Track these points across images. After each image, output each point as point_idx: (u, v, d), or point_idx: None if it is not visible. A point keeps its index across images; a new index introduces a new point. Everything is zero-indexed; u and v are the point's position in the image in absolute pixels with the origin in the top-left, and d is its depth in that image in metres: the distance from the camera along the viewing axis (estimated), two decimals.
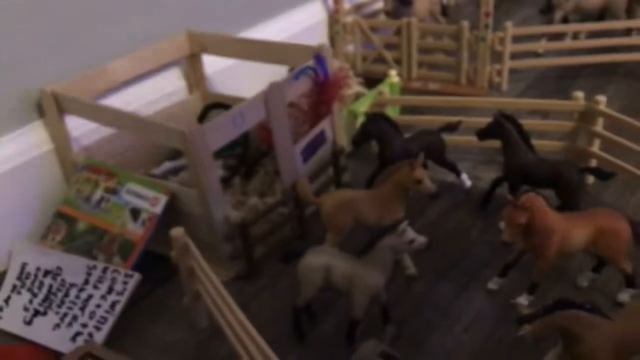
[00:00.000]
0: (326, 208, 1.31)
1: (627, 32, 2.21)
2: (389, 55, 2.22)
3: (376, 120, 1.51)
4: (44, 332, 1.26)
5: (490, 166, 1.71)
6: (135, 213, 1.35)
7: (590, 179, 1.58)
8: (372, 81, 2.00)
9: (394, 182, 1.28)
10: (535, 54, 2.27)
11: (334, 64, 1.56)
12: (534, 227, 1.14)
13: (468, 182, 1.61)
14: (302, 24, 2.20)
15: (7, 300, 1.33)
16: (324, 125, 1.58)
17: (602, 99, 1.49)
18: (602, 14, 2.39)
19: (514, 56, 2.10)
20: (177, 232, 1.15)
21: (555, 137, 1.72)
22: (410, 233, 1.07)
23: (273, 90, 1.37)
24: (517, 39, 2.06)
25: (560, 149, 1.63)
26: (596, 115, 1.51)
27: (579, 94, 1.55)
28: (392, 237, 1.07)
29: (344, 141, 1.68)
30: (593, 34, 2.27)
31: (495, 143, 1.48)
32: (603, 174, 1.36)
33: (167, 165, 1.62)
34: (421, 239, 1.08)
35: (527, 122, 1.50)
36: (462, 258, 1.39)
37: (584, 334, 0.93)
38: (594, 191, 1.56)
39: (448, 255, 1.40)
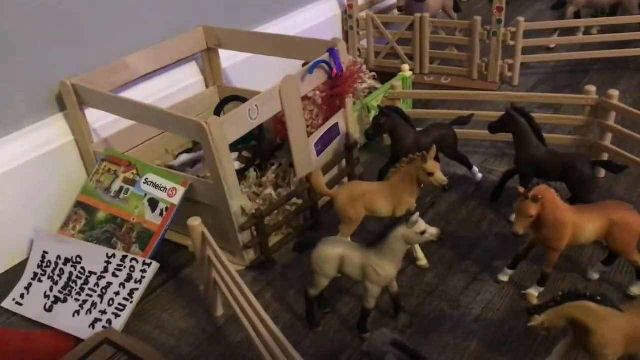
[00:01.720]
0: (339, 200, 1.33)
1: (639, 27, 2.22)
2: (401, 50, 2.24)
3: (389, 113, 1.52)
4: (64, 319, 1.29)
5: (501, 159, 1.73)
6: (153, 203, 1.38)
7: (602, 172, 1.60)
8: (385, 75, 2.01)
9: (407, 174, 1.30)
10: (547, 49, 2.28)
11: (347, 59, 1.57)
12: (545, 219, 1.16)
13: (479, 175, 1.62)
14: (317, 20, 2.22)
15: (28, 288, 1.37)
16: (338, 118, 1.60)
17: (614, 93, 1.50)
18: (614, 10, 2.39)
19: (526, 51, 2.11)
20: (194, 221, 1.17)
21: (567, 130, 1.73)
22: (422, 224, 1.09)
23: (288, 83, 1.39)
24: (528, 34, 2.07)
25: (572, 143, 1.64)
26: (609, 109, 1.52)
27: (591, 88, 1.56)
28: (404, 228, 1.09)
29: (357, 134, 1.70)
30: (605, 29, 2.27)
31: (506, 136, 1.49)
32: (615, 167, 1.37)
33: (184, 157, 1.65)
34: (433, 230, 1.10)
35: (539, 116, 1.52)
36: (473, 249, 1.41)
37: (595, 325, 0.94)
38: (605, 184, 1.58)
39: (459, 247, 1.42)
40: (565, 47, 2.25)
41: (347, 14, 2.28)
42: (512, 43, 2.06)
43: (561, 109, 1.86)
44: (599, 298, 0.94)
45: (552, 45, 2.29)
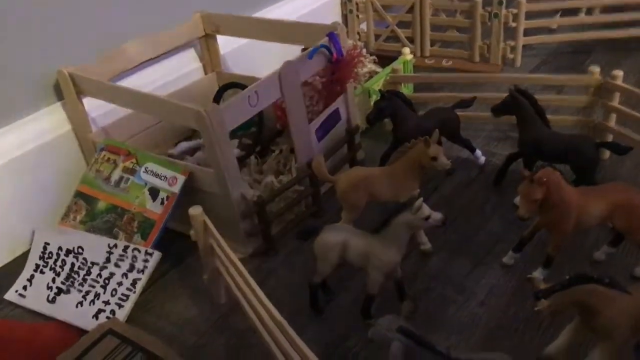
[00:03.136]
0: (341, 186, 1.32)
1: None
2: (402, 33, 2.21)
3: (390, 97, 1.51)
4: (68, 310, 1.29)
5: (505, 142, 1.71)
6: (154, 192, 1.37)
7: (607, 154, 1.58)
8: (385, 59, 1.99)
9: (409, 159, 1.28)
10: (549, 30, 2.25)
11: (347, 43, 1.55)
12: (550, 202, 1.14)
13: (482, 159, 1.61)
14: (315, 4, 2.19)
15: (30, 280, 1.36)
16: (338, 103, 1.58)
17: (619, 73, 1.48)
18: None
19: (528, 32, 2.08)
20: (195, 210, 1.16)
21: (570, 111, 1.71)
22: (426, 209, 1.08)
23: (287, 69, 1.37)
24: (530, 15, 2.04)
25: (576, 124, 1.62)
26: (613, 89, 1.50)
27: (595, 69, 1.54)
28: (407, 214, 1.08)
29: (358, 119, 1.68)
30: (607, 9, 2.24)
31: (510, 118, 1.47)
32: (619, 149, 1.35)
33: (184, 145, 1.64)
34: (437, 216, 1.09)
35: (542, 97, 1.50)
36: (477, 233, 1.40)
37: (602, 308, 0.93)
38: (610, 165, 1.56)
39: (463, 231, 1.41)
40: (568, 28, 2.22)
41: None
42: (513, 24, 2.04)
43: (564, 90, 1.84)
44: (607, 281, 0.93)
45: (555, 26, 2.26)
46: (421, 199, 1.08)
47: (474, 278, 1.28)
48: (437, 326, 1.18)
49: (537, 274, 1.23)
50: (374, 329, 0.99)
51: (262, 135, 1.61)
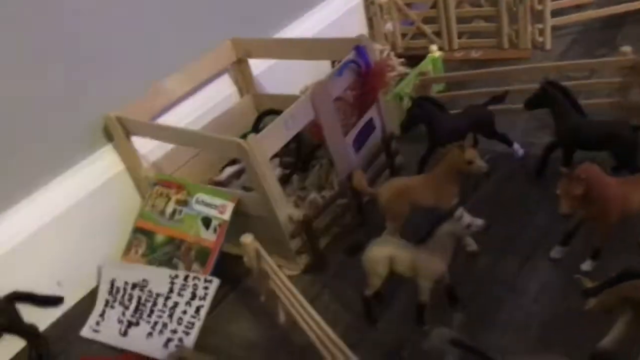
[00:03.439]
0: (383, 197, 1.36)
1: None
2: (428, 29, 2.22)
3: (421, 103, 1.53)
4: (139, 341, 1.36)
5: (543, 130, 1.69)
6: (206, 221, 1.45)
7: None
8: (414, 58, 2.00)
9: (446, 165, 1.31)
10: (577, 7, 2.21)
11: (374, 48, 1.57)
12: (591, 196, 1.15)
13: (521, 151, 1.61)
14: (340, 11, 2.23)
15: (102, 315, 1.46)
16: (372, 113, 1.61)
17: None
18: None
19: (555, 13, 2.05)
20: (247, 238, 1.22)
21: (605, 94, 1.68)
22: (467, 218, 1.10)
23: (318, 89, 1.42)
24: None
25: (611, 106, 1.60)
26: None
27: (627, 49, 1.52)
28: (449, 224, 1.11)
29: (393, 125, 1.70)
30: None
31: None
32: None
33: (229, 170, 1.70)
34: (478, 222, 1.11)
35: (574, 83, 1.48)
36: (523, 228, 1.41)
37: None
38: None
39: (507, 227, 1.41)
40: (596, 4, 2.18)
41: (368, 1, 2.27)
42: (540, 7, 2.01)
43: (599, 71, 1.81)
44: None
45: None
46: (461, 208, 1.10)
47: (524, 275, 1.29)
48: (490, 327, 1.20)
49: (586, 266, 1.23)
50: (427, 341, 1.03)
51: (301, 151, 1.66)
